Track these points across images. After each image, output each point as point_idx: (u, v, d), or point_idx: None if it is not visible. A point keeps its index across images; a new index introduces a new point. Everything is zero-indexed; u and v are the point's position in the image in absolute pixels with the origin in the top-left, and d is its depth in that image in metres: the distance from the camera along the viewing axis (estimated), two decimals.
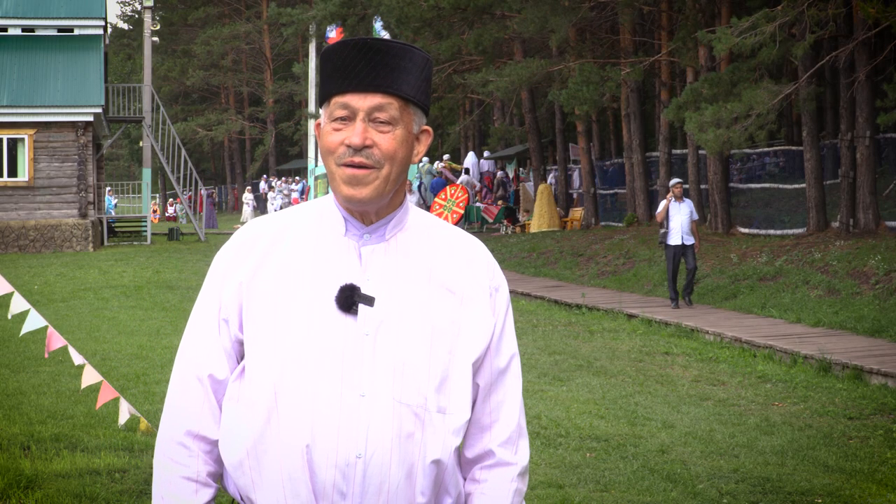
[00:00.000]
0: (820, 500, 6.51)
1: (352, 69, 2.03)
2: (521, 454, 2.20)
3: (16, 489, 6.02)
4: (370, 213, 2.10)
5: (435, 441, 2.07)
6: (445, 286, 2.12)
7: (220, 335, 2.12)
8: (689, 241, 15.20)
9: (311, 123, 36.63)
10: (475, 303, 2.14)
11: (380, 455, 2.01)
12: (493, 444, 2.18)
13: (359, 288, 2.05)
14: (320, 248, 2.11)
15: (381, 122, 2.04)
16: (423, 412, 2.05)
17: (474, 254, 2.19)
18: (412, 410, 2.04)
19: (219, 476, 2.15)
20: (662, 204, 15.37)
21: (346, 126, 2.05)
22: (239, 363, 2.13)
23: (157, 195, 59.77)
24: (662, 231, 15.37)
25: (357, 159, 2.03)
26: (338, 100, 2.04)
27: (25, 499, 5.88)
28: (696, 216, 15.43)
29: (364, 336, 2.04)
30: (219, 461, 2.13)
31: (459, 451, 2.18)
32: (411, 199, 25.73)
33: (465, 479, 2.20)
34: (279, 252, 2.11)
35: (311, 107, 35.89)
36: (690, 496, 6.48)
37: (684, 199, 15.31)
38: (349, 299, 2.04)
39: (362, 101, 2.03)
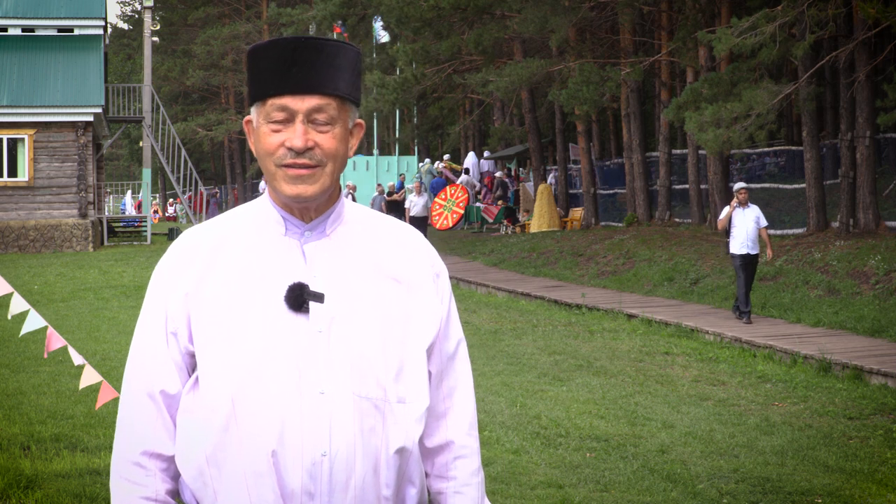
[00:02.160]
0: (820, 500, 6.51)
1: (288, 70, 2.02)
2: (477, 439, 2.23)
3: (16, 489, 6.02)
4: (311, 210, 2.10)
5: (397, 431, 2.06)
6: (391, 276, 2.12)
7: (170, 348, 2.09)
8: (755, 250, 13.90)
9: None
10: (422, 290, 2.14)
11: (344, 451, 2.01)
12: (454, 434, 2.19)
13: (307, 286, 2.04)
14: (263, 250, 2.09)
15: (321, 123, 2.04)
16: (384, 404, 2.05)
17: (413, 242, 2.20)
18: (373, 403, 2.04)
19: (177, 493, 2.12)
20: (725, 211, 14.30)
21: (284, 128, 2.04)
22: (191, 375, 2.10)
23: (157, 195, 59.82)
24: (728, 240, 14.25)
25: (300, 161, 2.02)
26: (275, 102, 2.03)
27: (25, 499, 5.88)
28: (764, 223, 14.07)
29: (317, 333, 2.03)
30: (176, 477, 2.10)
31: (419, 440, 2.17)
32: (420, 201, 25.51)
33: (426, 470, 2.19)
34: (222, 258, 2.09)
35: None
36: (690, 496, 6.49)
37: (749, 204, 14.10)
38: (299, 298, 2.03)
39: (301, 103, 2.02)
